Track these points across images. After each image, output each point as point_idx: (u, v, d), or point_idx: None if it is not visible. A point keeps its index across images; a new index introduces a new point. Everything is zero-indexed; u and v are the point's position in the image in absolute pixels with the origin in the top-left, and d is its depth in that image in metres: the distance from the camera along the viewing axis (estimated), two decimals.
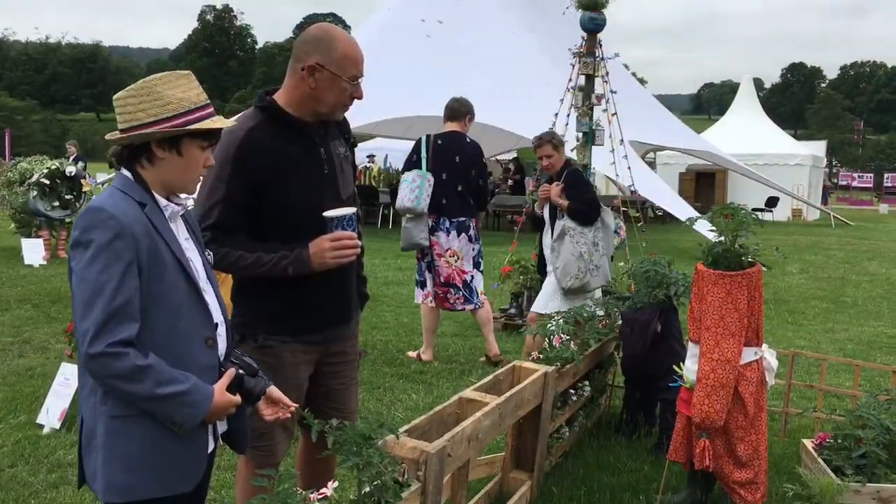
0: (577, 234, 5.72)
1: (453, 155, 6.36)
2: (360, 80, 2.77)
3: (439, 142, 6.41)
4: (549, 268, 5.92)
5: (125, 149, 2.16)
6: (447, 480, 3.36)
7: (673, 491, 4.07)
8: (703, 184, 26.40)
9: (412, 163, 6.41)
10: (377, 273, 11.39)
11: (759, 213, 22.60)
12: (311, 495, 2.36)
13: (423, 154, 6.34)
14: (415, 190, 6.22)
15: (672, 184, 23.45)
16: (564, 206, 5.77)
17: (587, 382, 4.71)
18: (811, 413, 5.04)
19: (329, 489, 2.41)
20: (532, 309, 6.22)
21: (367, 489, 2.49)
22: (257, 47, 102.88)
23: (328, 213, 2.71)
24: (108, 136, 2.21)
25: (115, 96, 2.17)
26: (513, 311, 8.03)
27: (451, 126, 6.50)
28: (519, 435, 4.04)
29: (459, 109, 6.55)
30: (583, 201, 5.79)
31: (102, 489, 2.11)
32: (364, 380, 6.00)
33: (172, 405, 2.05)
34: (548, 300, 5.92)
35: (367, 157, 25.34)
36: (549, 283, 5.96)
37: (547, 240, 5.99)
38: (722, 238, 3.87)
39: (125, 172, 2.17)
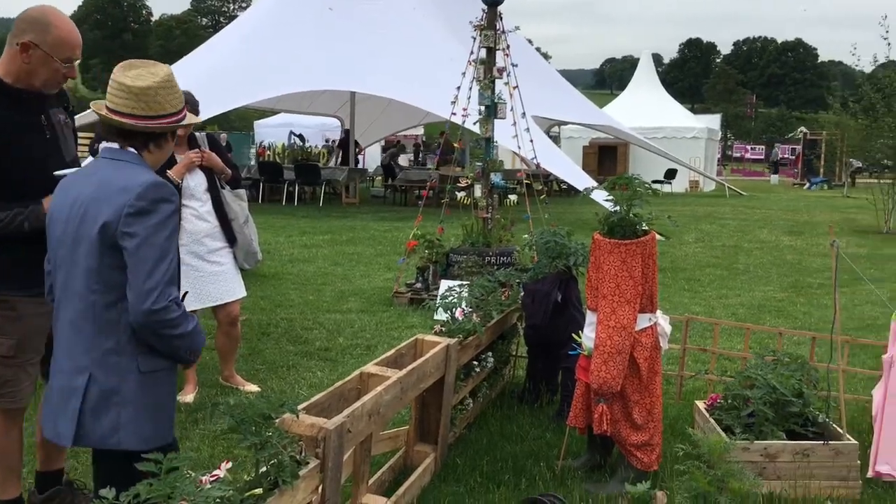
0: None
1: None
2: (74, 62, 3.05)
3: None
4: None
5: (138, 132, 2.44)
6: (349, 456, 3.34)
7: (573, 456, 4.16)
8: (606, 157, 26.99)
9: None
10: (282, 251, 11.20)
11: (658, 185, 23.30)
12: (203, 478, 2.30)
13: None
14: None
15: (575, 157, 23.89)
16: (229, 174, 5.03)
17: (490, 353, 4.75)
18: (703, 375, 5.24)
19: (222, 470, 2.35)
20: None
21: (265, 469, 2.45)
22: (153, 20, 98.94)
23: (59, 172, 2.88)
24: (121, 119, 2.42)
25: (140, 85, 2.41)
26: (419, 285, 8.04)
27: None
28: (422, 408, 4.04)
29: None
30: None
31: (131, 439, 2.40)
32: (267, 359, 5.91)
33: (194, 338, 2.48)
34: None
35: (296, 135, 24.80)
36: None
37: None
38: (617, 208, 3.96)
39: (132, 151, 2.46)
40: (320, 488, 2.69)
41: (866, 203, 16.20)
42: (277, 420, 2.56)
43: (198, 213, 4.74)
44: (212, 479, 2.32)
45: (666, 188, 24.64)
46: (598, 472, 4.03)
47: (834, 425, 4.09)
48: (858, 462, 3.85)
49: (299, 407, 2.90)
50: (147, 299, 2.31)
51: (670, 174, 25.18)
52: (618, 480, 3.77)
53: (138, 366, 2.40)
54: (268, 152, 23.43)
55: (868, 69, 19.26)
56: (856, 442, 3.90)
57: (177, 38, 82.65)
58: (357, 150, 23.38)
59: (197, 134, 4.85)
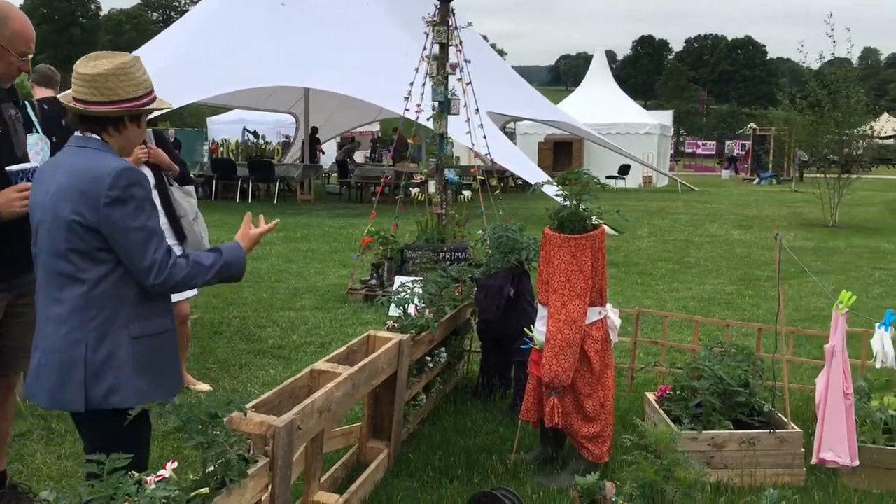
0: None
1: (59, 119, 5.85)
2: (28, 56, 3.11)
3: (45, 106, 5.82)
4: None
5: (93, 118, 2.55)
6: (300, 454, 3.32)
7: (526, 450, 4.19)
8: (561, 153, 27.21)
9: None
10: None
11: (612, 181, 23.50)
12: (148, 478, 2.27)
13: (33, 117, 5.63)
14: (38, 153, 5.68)
15: (531, 153, 24.03)
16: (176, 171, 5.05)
17: (443, 349, 4.76)
18: (653, 367, 5.32)
19: (168, 470, 2.32)
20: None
21: (212, 468, 2.42)
22: (102, 14, 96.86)
23: (11, 168, 2.95)
24: (77, 105, 2.55)
25: (91, 73, 2.53)
26: (374, 281, 8.01)
27: (47, 92, 5.76)
28: (375, 404, 4.04)
29: (52, 77, 5.93)
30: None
31: (131, 398, 2.49)
32: (219, 357, 5.84)
33: (226, 273, 2.67)
34: None
35: (250, 131, 24.50)
36: None
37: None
38: (567, 203, 4.00)
39: (96, 137, 2.56)
40: (270, 487, 2.67)
41: (813, 197, 16.58)
42: (225, 419, 2.53)
43: None
44: (157, 479, 2.30)
45: (620, 184, 24.94)
46: (551, 464, 4.07)
47: (779, 414, 4.19)
48: (803, 450, 3.95)
49: (248, 405, 2.88)
50: (150, 275, 2.49)
51: (624, 170, 25.46)
52: (569, 472, 3.80)
53: (130, 332, 2.53)
54: (221, 149, 23.16)
55: (815, 66, 19.67)
56: (800, 430, 4.00)
57: (126, 33, 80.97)
58: (318, 146, 23.27)
59: None
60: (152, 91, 2.66)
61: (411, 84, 8.05)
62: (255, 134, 24.52)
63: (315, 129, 22.67)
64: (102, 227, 2.48)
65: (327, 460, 3.78)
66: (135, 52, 18.32)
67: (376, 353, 3.72)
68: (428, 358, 4.52)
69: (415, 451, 4.13)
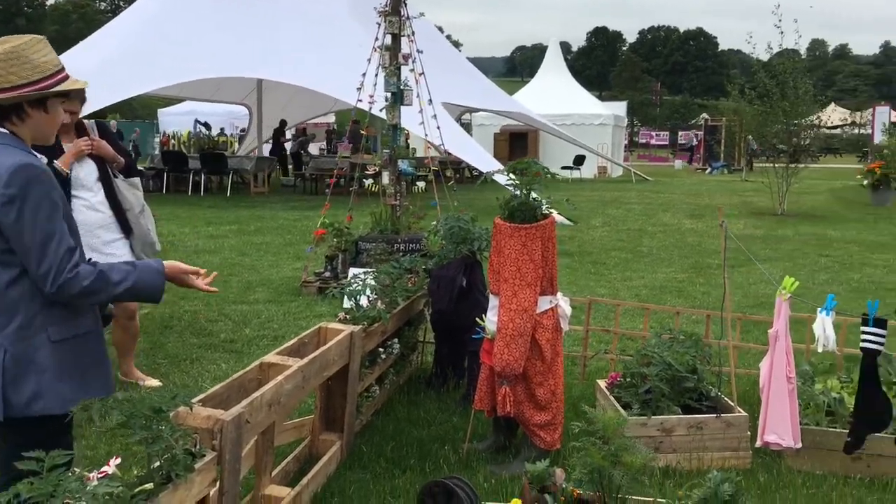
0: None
1: None
2: None
3: None
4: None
5: None
6: (250, 448, 3.30)
7: (479, 439, 4.21)
8: (517, 144, 27.32)
9: None
10: (187, 241, 10.92)
11: (567, 171, 23.66)
12: (91, 474, 2.23)
13: None
14: None
15: (487, 145, 24.10)
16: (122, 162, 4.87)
17: (396, 340, 4.75)
18: (604, 355, 5.38)
19: (111, 466, 2.28)
20: None
21: (158, 463, 2.39)
22: (48, 3, 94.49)
23: None
24: None
25: None
26: (328, 274, 7.97)
27: None
28: (327, 396, 4.02)
29: None
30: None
31: (54, 403, 2.42)
32: (169, 352, 5.76)
33: (135, 294, 2.54)
34: None
35: (202, 123, 24.10)
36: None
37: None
38: (518, 192, 4.01)
39: (3, 130, 2.42)
40: (218, 481, 2.65)
41: (762, 186, 16.90)
42: (171, 413, 2.50)
43: (89, 204, 4.57)
44: (100, 475, 2.26)
45: (575, 174, 25.15)
46: (503, 453, 4.10)
47: (726, 399, 4.27)
48: (748, 433, 4.03)
49: (196, 399, 2.85)
50: (46, 282, 2.34)
51: (579, 160, 25.67)
52: (521, 460, 3.83)
53: (49, 336, 2.43)
54: (172, 141, 22.77)
55: (764, 57, 20.02)
56: (746, 414, 4.09)
57: (74, 23, 79.08)
58: (283, 139, 23.03)
59: (86, 121, 4.67)
60: (59, 72, 2.47)
61: (363, 75, 8.01)
62: (206, 125, 24.16)
63: (283, 122, 22.46)
64: (2, 228, 2.35)
65: (279, 453, 3.76)
66: (81, 43, 17.74)
67: (327, 345, 3.70)
68: (381, 349, 4.51)
69: (368, 443, 4.12)
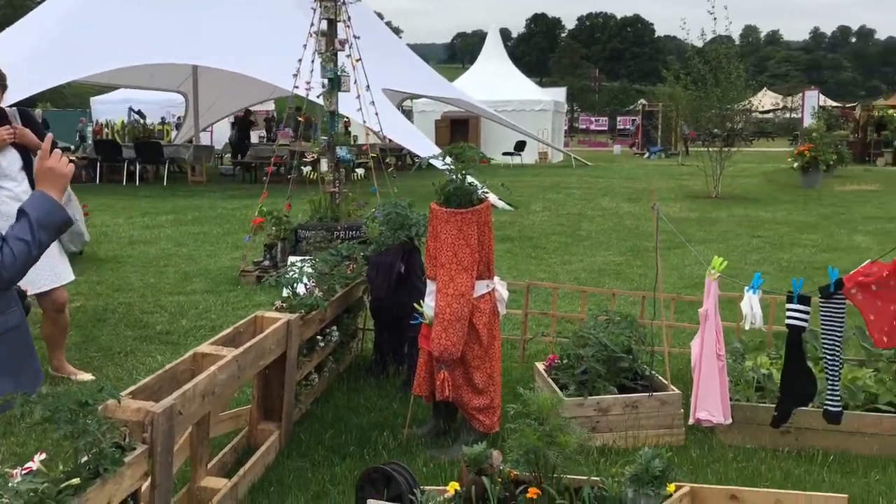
0: None
1: None
2: None
3: None
4: None
5: None
6: (184, 440, 3.25)
7: (419, 424, 4.22)
8: (458, 130, 27.31)
9: None
10: (121, 232, 10.67)
11: (508, 157, 23.78)
12: (14, 471, 2.17)
13: None
14: None
15: (428, 131, 24.04)
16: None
17: (335, 328, 4.72)
18: (541, 337, 5.45)
19: (35, 462, 2.23)
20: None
21: (85, 458, 2.34)
22: None
23: None
24: None
25: None
26: (266, 263, 7.88)
27: None
28: (265, 386, 3.98)
29: None
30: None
31: None
32: (103, 345, 5.63)
33: (47, 229, 2.44)
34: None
35: (136, 111, 23.47)
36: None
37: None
38: (453, 177, 4.01)
39: None
40: (150, 474, 2.60)
41: (697, 170, 17.25)
42: (100, 406, 2.44)
43: (13, 195, 4.42)
44: (24, 471, 2.21)
45: (516, 160, 25.29)
46: (443, 437, 4.12)
47: (660, 377, 4.37)
48: (682, 410, 4.13)
49: (126, 391, 2.79)
50: None
51: (520, 146, 25.81)
52: (461, 444, 3.85)
53: None
54: (106, 130, 22.18)
55: (698, 44, 20.38)
56: (679, 392, 4.18)
57: (1, 9, 76.26)
58: (254, 127, 22.58)
59: (7, 109, 4.51)
60: None
61: (299, 61, 7.90)
62: (140, 114, 23.59)
63: (248, 112, 21.97)
64: None
65: (216, 445, 3.72)
66: (7, 30, 17.04)
67: (263, 333, 3.66)
68: (319, 337, 4.48)
69: (307, 431, 4.10)
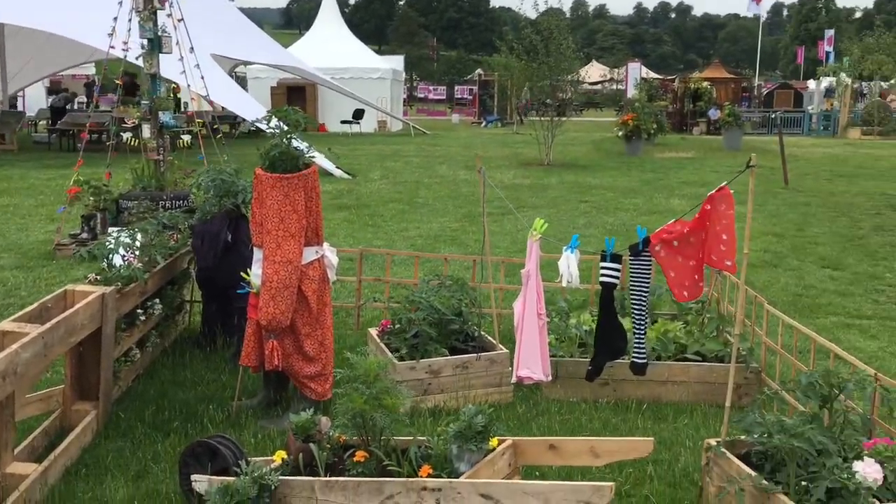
0: None
1: None
2: None
3: None
4: None
5: None
6: None
7: (250, 395, 4.12)
8: (294, 98, 26.61)
9: None
10: None
11: (347, 125, 23.49)
12: None
13: None
14: None
15: (263, 98, 23.31)
16: None
17: (158, 301, 4.52)
18: (373, 303, 5.46)
19: None
20: None
21: None
22: None
23: None
24: None
25: None
26: (85, 235, 7.40)
27: None
28: (79, 363, 3.75)
29: None
30: None
31: None
32: None
33: None
34: None
35: None
36: None
37: None
38: (277, 142, 3.90)
39: None
40: None
41: (531, 139, 17.79)
42: None
43: None
44: None
45: (355, 128, 25.07)
46: (274, 408, 4.05)
47: (489, 338, 4.49)
48: (510, 369, 4.26)
49: None
50: None
51: (358, 114, 25.58)
52: (293, 413, 3.80)
53: None
54: None
55: (532, 15, 20.89)
56: (506, 351, 4.31)
57: None
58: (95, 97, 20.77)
59: None
60: None
61: (115, 19, 7.40)
62: None
63: (133, 76, 20.14)
64: None
65: (25, 428, 3.47)
66: None
67: (73, 308, 3.44)
68: (140, 311, 4.27)
69: (127, 410, 3.91)
